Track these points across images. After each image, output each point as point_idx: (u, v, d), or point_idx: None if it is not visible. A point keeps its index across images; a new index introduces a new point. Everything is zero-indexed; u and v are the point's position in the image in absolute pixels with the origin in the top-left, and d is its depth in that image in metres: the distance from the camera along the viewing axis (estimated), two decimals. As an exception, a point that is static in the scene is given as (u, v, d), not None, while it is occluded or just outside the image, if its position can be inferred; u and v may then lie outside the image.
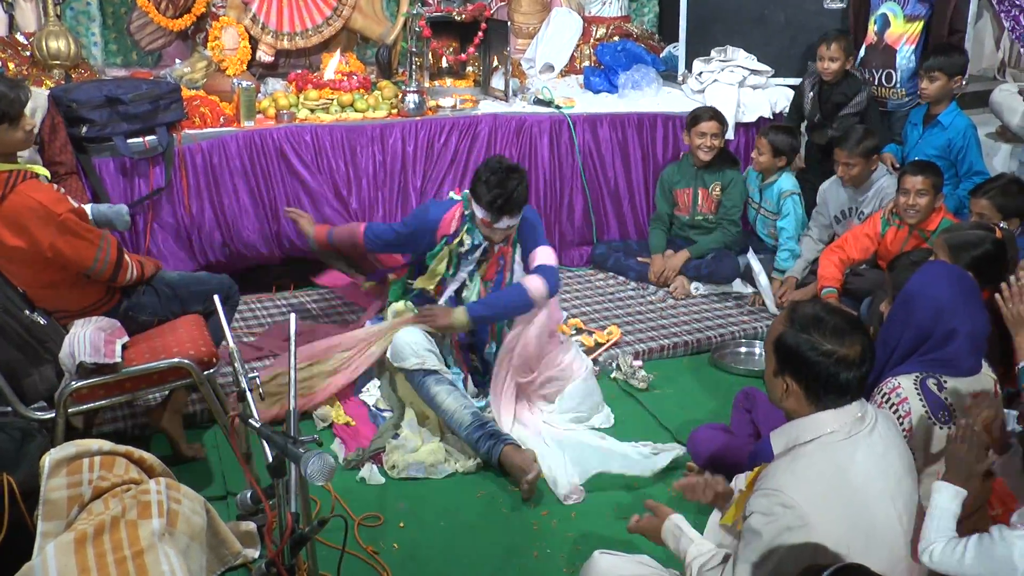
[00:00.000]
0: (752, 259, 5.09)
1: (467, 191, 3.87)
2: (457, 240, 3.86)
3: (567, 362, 3.96)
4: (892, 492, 2.16)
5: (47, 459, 2.65)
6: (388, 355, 3.82)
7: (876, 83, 5.60)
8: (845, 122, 5.33)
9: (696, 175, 5.38)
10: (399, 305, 4.00)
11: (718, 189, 5.35)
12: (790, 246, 5.24)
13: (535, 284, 3.79)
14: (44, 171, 3.19)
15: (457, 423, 3.61)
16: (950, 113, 5.08)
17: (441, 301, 3.90)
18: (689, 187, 5.41)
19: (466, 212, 3.85)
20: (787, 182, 5.29)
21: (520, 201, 3.73)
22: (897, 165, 5.18)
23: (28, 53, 5.09)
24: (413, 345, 3.75)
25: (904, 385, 2.68)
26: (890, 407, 2.67)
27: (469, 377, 4.00)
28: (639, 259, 5.49)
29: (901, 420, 2.63)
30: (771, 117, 5.86)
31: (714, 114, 5.32)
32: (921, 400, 2.65)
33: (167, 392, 3.48)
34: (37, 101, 3.92)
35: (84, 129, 4.46)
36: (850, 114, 5.38)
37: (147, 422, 3.69)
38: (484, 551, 3.16)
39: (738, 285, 5.38)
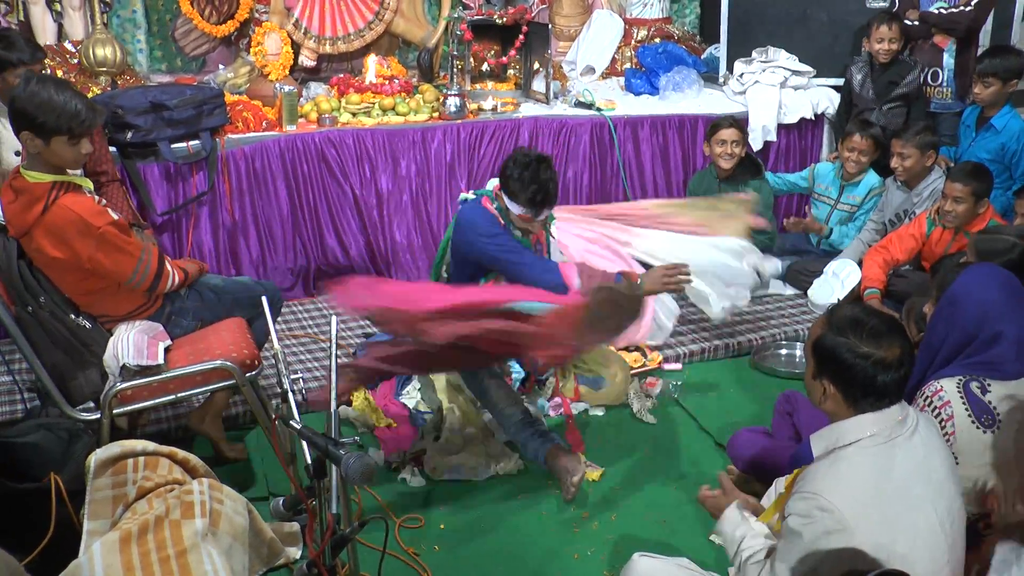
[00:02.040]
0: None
1: (487, 189, 3.84)
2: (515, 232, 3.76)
3: None
4: (933, 496, 2.13)
5: (93, 459, 2.70)
6: None
7: (922, 82, 5.55)
8: (894, 103, 5.35)
9: (719, 187, 5.30)
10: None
11: None
12: (851, 231, 5.30)
13: None
14: (87, 182, 3.23)
15: (506, 418, 3.60)
16: (1004, 116, 5.00)
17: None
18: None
19: (495, 206, 3.76)
20: (876, 178, 5.30)
21: (556, 189, 3.66)
22: (951, 164, 5.12)
23: (76, 60, 5.18)
24: None
25: (947, 388, 2.64)
26: (932, 410, 2.63)
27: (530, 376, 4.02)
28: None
29: (943, 424, 2.60)
30: (813, 118, 5.82)
31: (733, 122, 5.24)
32: (964, 404, 2.61)
33: (208, 394, 3.52)
34: None
35: (129, 135, 4.52)
36: (902, 94, 5.37)
37: (189, 424, 3.73)
38: (524, 553, 3.16)
39: (777, 287, 5.35)
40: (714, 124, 5.27)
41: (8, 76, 3.93)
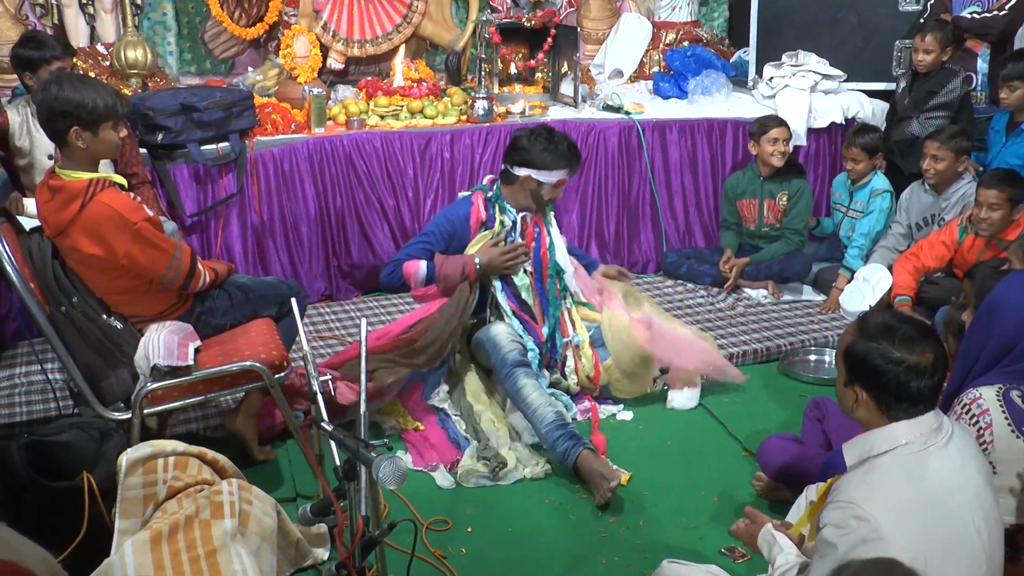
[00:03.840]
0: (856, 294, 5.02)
1: (481, 184, 4.05)
2: (498, 222, 3.96)
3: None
4: (971, 505, 2.10)
5: (124, 458, 2.71)
6: (477, 345, 3.87)
7: (965, 91, 5.48)
8: (934, 113, 5.26)
9: (761, 186, 5.32)
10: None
11: (785, 199, 5.29)
12: (861, 243, 5.18)
13: None
14: (121, 180, 3.25)
15: (539, 419, 3.61)
16: None
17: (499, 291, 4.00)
18: (754, 198, 5.36)
19: (489, 196, 3.98)
20: (880, 181, 5.27)
21: None
22: (980, 169, 5.07)
23: (107, 63, 5.23)
24: (508, 334, 3.83)
25: (986, 396, 2.60)
26: (971, 418, 2.60)
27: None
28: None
29: (982, 432, 2.56)
30: (843, 123, 5.79)
31: (781, 120, 5.31)
32: (1004, 412, 2.58)
33: (242, 395, 3.53)
34: None
35: (160, 136, 4.55)
36: (941, 103, 5.28)
37: (219, 424, 3.75)
38: (551, 557, 3.15)
39: (808, 293, 5.32)
40: (762, 123, 5.30)
41: (42, 73, 4.00)
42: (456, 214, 4.00)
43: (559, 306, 4.04)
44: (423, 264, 3.86)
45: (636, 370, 4.05)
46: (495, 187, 4.01)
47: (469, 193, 4.07)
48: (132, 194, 3.24)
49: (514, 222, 3.98)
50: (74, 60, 4.43)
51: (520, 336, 3.89)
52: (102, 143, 3.13)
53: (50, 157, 4.13)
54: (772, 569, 2.40)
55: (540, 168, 3.88)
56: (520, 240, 3.98)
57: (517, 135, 3.99)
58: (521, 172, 3.91)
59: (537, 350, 3.93)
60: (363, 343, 2.70)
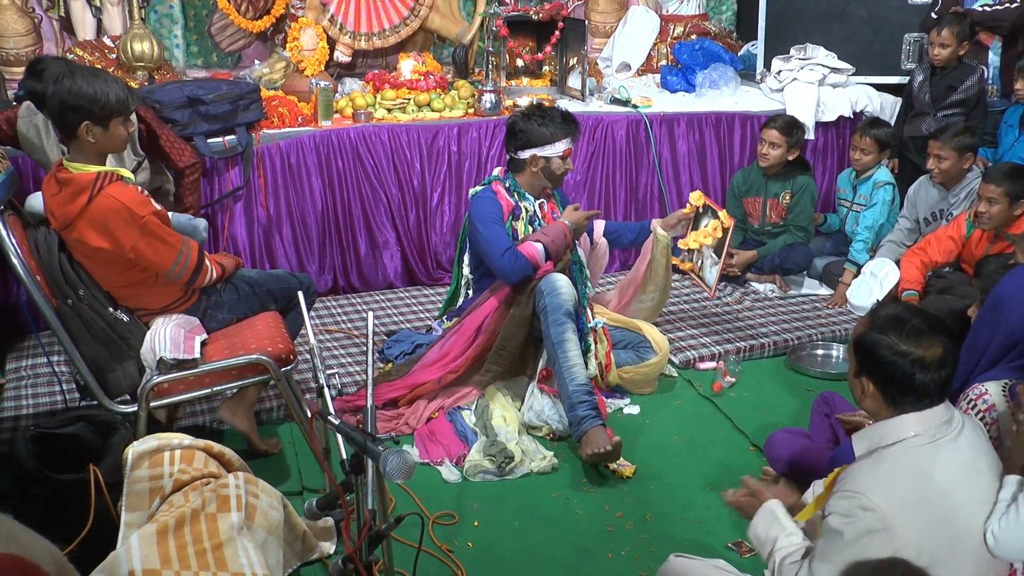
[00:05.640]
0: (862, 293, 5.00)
1: (493, 175, 4.05)
2: (524, 211, 3.99)
3: None
4: (980, 500, 2.10)
5: (130, 451, 2.71)
6: (541, 288, 3.80)
7: (983, 87, 5.44)
8: (952, 110, 5.22)
9: (765, 184, 5.30)
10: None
11: (788, 197, 5.26)
12: (865, 236, 5.17)
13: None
14: (129, 173, 3.24)
15: (572, 377, 3.63)
16: None
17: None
18: (759, 196, 5.34)
19: (507, 185, 4.00)
20: (883, 174, 5.26)
21: None
22: (990, 164, 5.04)
23: (114, 55, 5.22)
24: (569, 287, 3.79)
25: (991, 391, 2.60)
26: (976, 413, 2.59)
27: None
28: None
29: (988, 427, 2.55)
30: (851, 116, 5.77)
31: (783, 125, 5.20)
32: (1009, 407, 2.57)
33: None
34: None
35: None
36: (959, 100, 5.24)
37: (219, 415, 3.73)
38: (558, 551, 3.14)
39: (813, 287, 5.31)
40: (766, 121, 5.30)
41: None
42: (495, 204, 3.95)
43: (584, 293, 4.04)
44: (537, 244, 3.84)
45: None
46: (509, 177, 4.02)
47: (482, 188, 4.04)
48: (140, 187, 3.23)
49: (534, 210, 4.01)
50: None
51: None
52: (112, 138, 3.12)
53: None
54: (772, 549, 2.34)
55: (543, 144, 3.91)
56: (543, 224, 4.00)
57: (511, 121, 4.00)
58: (526, 154, 3.94)
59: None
60: (370, 337, 2.69)
